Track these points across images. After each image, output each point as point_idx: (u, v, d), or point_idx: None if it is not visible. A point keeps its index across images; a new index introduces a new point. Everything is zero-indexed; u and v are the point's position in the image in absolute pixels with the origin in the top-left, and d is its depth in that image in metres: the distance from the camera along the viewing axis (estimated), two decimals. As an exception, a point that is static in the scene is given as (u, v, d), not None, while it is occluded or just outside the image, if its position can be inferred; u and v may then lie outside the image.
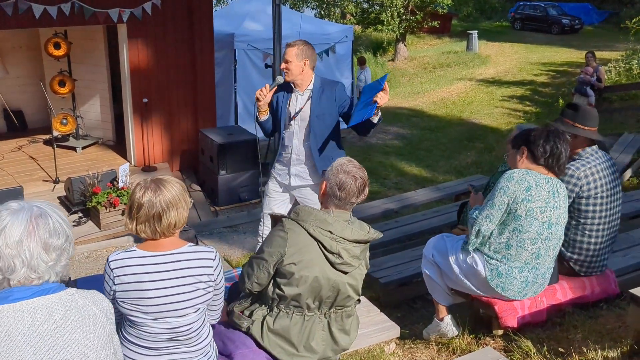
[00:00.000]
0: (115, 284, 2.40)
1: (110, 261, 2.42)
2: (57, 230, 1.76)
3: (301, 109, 4.34)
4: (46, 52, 8.64)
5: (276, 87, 4.31)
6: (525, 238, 3.33)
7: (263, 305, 2.92)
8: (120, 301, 2.41)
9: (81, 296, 1.81)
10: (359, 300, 3.07)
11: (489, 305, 3.51)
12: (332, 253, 2.76)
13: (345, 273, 2.83)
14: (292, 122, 4.37)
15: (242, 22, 10.67)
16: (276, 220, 2.96)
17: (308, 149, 4.41)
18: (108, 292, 2.43)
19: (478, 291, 3.55)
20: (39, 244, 1.71)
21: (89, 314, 1.79)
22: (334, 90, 4.32)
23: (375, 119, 4.06)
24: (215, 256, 2.53)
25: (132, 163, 8.50)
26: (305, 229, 2.75)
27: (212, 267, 2.50)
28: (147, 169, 8.50)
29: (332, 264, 2.78)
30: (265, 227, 4.69)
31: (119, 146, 9.24)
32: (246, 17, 10.92)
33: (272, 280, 2.85)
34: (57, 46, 8.50)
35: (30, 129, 10.16)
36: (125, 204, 6.83)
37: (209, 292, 2.51)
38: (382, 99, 3.91)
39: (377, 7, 23.82)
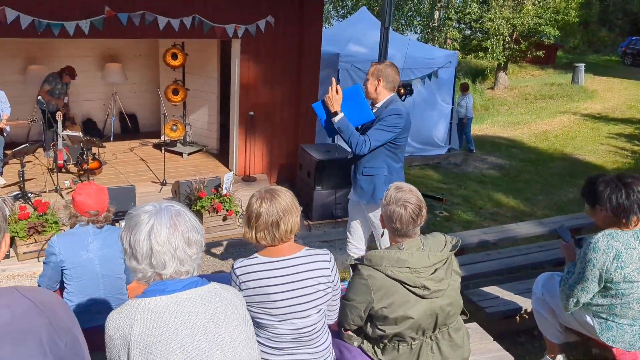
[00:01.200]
0: (241, 289, 2.53)
1: (236, 268, 2.56)
2: (195, 226, 1.89)
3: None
4: (164, 62, 9.19)
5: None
6: (630, 300, 3.16)
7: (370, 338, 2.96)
8: (248, 305, 2.52)
9: (224, 289, 1.94)
10: (463, 312, 3.02)
11: (605, 348, 3.35)
12: (417, 287, 2.73)
13: (438, 297, 2.80)
14: None
15: (347, 44, 10.85)
16: (353, 267, 2.97)
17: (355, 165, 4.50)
18: None
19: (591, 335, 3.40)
20: (183, 240, 1.83)
21: (235, 305, 1.91)
22: (386, 112, 4.24)
23: (336, 120, 4.17)
24: (330, 257, 2.63)
25: (234, 172, 8.82)
26: (382, 272, 2.74)
27: (328, 268, 2.61)
28: (247, 178, 8.79)
29: (421, 297, 2.76)
30: (350, 242, 4.79)
31: (222, 155, 9.62)
32: (351, 39, 11.10)
33: (369, 322, 2.87)
34: (174, 57, 9.03)
35: (141, 132, 10.81)
36: (227, 210, 7.10)
37: (328, 292, 2.61)
38: (329, 99, 4.17)
39: (480, 35, 23.46)
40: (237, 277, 2.54)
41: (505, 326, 4.47)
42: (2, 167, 8.15)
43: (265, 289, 2.50)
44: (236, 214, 7.31)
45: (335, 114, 4.15)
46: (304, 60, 8.74)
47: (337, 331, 3.05)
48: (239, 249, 6.88)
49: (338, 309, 2.84)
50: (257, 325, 2.58)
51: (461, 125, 12.86)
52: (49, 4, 7.05)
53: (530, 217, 8.40)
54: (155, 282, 1.85)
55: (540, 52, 23.52)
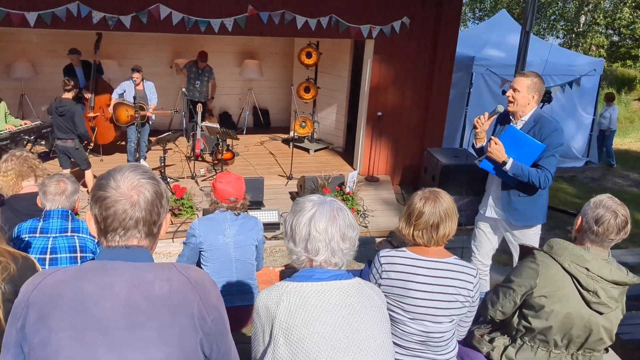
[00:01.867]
0: (381, 278, 2.59)
1: (381, 256, 2.63)
2: (352, 224, 1.97)
3: None
4: (298, 60, 9.45)
5: (495, 115, 4.16)
6: None
7: (505, 335, 2.86)
8: (384, 295, 2.56)
9: (367, 285, 1.99)
10: (606, 350, 2.83)
11: None
12: (588, 291, 2.62)
13: (601, 314, 2.64)
14: None
15: (483, 47, 10.51)
16: (526, 251, 2.89)
17: (499, 181, 4.24)
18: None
19: None
20: (339, 233, 1.92)
21: (375, 302, 1.95)
22: (544, 131, 3.97)
23: (508, 169, 3.96)
24: (476, 274, 2.59)
25: (358, 171, 8.87)
26: (559, 263, 2.65)
27: (472, 283, 2.58)
28: (371, 178, 8.81)
29: (587, 303, 2.64)
30: (475, 256, 4.62)
31: (347, 154, 9.73)
32: (487, 42, 10.74)
33: (518, 311, 2.78)
34: (308, 55, 9.25)
35: (272, 127, 11.22)
36: (349, 208, 7.16)
37: (465, 306, 2.58)
38: (492, 152, 3.95)
39: (630, 42, 21.71)
40: (381, 265, 2.60)
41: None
42: (146, 152, 8.84)
43: (405, 283, 2.54)
44: (358, 213, 7.35)
45: (504, 163, 3.98)
46: (437, 63, 8.59)
47: (465, 338, 2.98)
48: (360, 247, 6.91)
49: (469, 326, 2.79)
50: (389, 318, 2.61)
51: (602, 137, 11.97)
52: (198, 2, 7.52)
53: (677, 243, 7.64)
54: (305, 269, 1.95)
55: (700, 63, 21.34)
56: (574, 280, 2.64)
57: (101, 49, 8.65)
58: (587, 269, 2.62)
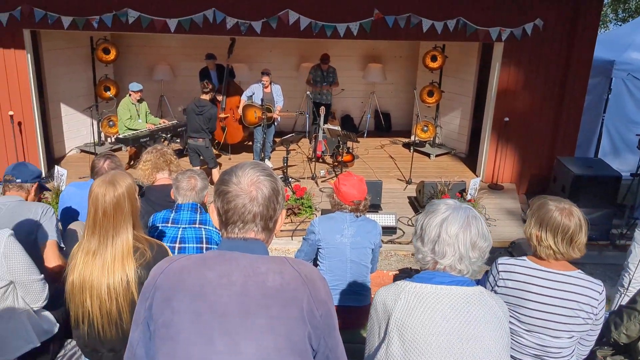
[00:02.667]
0: (497, 286, 2.51)
1: (499, 263, 2.55)
2: (485, 234, 1.93)
3: None
4: (423, 64, 9.34)
5: None
6: None
7: (629, 359, 2.64)
8: None
9: (489, 295, 1.93)
10: None
11: None
12: None
13: None
14: None
15: (625, 50, 9.72)
16: None
17: None
18: None
19: None
20: (469, 240, 1.89)
21: (495, 314, 1.89)
22: None
23: None
24: (602, 291, 2.44)
25: (481, 178, 8.58)
26: None
27: (597, 300, 2.44)
28: (494, 186, 8.49)
29: None
30: (633, 279, 4.26)
31: (470, 159, 9.45)
32: (631, 45, 9.91)
33: None
34: (433, 59, 9.14)
35: (393, 130, 11.18)
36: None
37: (588, 323, 2.44)
38: None
39: None
40: (499, 272, 2.53)
41: None
42: (271, 152, 9.17)
43: (522, 293, 2.46)
44: (479, 222, 7.11)
45: None
46: (571, 67, 8.09)
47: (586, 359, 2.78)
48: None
49: (592, 345, 2.61)
50: None
51: None
52: (325, 7, 7.68)
53: None
54: (427, 270, 1.94)
55: None
56: None
57: (233, 54, 9.11)
58: None
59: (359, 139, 9.13)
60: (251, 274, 1.59)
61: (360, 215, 3.57)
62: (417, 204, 7.62)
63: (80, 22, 7.52)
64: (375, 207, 7.18)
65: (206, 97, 7.77)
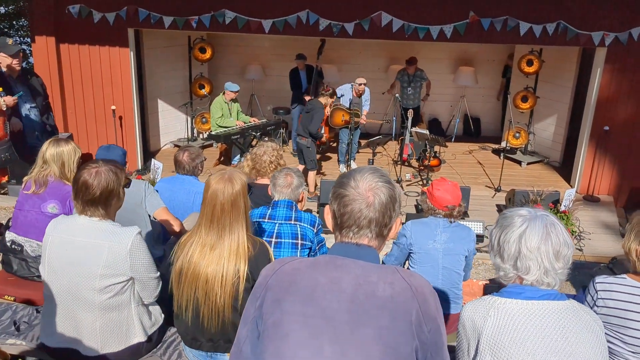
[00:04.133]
0: (596, 306, 2.41)
1: (597, 282, 2.45)
2: (567, 241, 1.82)
3: None
4: (518, 68, 9.03)
5: None
6: None
7: None
8: None
9: (583, 309, 1.85)
10: None
11: None
12: None
13: None
14: None
15: None
16: None
17: None
18: None
19: None
20: (552, 251, 1.79)
21: (591, 328, 1.81)
22: None
23: None
24: None
25: (576, 189, 8.19)
26: None
27: None
28: (590, 198, 8.08)
29: None
30: None
31: (564, 169, 9.04)
32: None
33: None
34: (529, 63, 8.83)
35: (482, 136, 10.88)
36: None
37: None
38: None
39: None
40: (597, 292, 2.43)
41: None
42: (356, 153, 9.17)
43: (624, 313, 2.34)
44: (572, 234, 6.79)
45: None
46: (682, 74, 7.57)
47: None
48: (573, 272, 6.37)
49: None
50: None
51: None
52: (419, 9, 7.59)
53: None
54: (514, 285, 1.86)
55: None
56: None
57: (323, 54, 9.20)
58: None
59: (447, 144, 8.96)
60: (362, 282, 1.58)
61: (454, 222, 3.50)
62: (507, 213, 7.36)
63: (180, 22, 7.85)
64: (462, 214, 7.01)
65: (322, 99, 7.88)
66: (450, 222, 3.49)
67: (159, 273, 2.67)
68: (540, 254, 1.79)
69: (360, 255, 1.63)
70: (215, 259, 2.47)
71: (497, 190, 8.14)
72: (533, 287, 1.82)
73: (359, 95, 8.63)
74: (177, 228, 3.76)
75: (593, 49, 7.89)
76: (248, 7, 7.74)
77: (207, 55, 9.56)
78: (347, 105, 8.50)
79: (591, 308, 2.41)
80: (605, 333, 2.34)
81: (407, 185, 8.33)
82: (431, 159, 8.55)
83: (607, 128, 7.84)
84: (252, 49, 10.60)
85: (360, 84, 8.49)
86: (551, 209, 6.80)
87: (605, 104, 7.88)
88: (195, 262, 2.48)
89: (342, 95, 8.75)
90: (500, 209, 7.64)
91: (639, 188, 8.09)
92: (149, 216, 3.79)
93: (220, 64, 10.53)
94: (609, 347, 2.37)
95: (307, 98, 9.19)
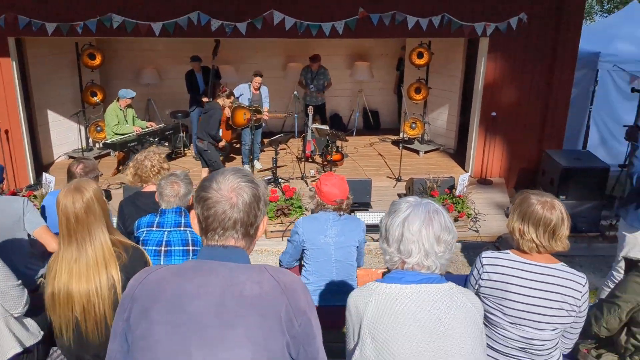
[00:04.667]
0: (482, 279, 2.52)
1: (483, 257, 2.57)
2: (448, 227, 1.92)
3: None
4: (409, 61, 9.35)
5: None
6: None
7: (614, 353, 2.64)
8: (483, 297, 2.52)
9: (459, 291, 1.93)
10: None
11: None
12: None
13: None
14: None
15: (611, 42, 9.77)
16: (631, 264, 2.68)
17: None
18: (472, 285, 2.57)
19: None
20: (433, 235, 1.88)
21: (467, 309, 1.89)
22: None
23: None
24: (585, 283, 2.47)
25: (470, 174, 8.61)
26: None
27: (580, 292, 2.45)
28: (483, 181, 8.51)
29: None
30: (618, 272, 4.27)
31: (458, 155, 9.47)
32: (616, 37, 9.96)
33: (625, 329, 2.56)
34: (420, 55, 9.14)
35: (382, 128, 11.19)
36: (458, 211, 6.98)
37: (571, 315, 2.45)
38: None
39: None
40: (482, 265, 2.54)
41: None
42: (259, 153, 9.15)
43: (505, 285, 2.46)
44: (468, 217, 7.13)
45: None
46: (557, 60, 8.13)
47: (570, 353, 2.79)
48: (469, 252, 6.71)
49: (575, 339, 2.62)
50: (487, 322, 2.52)
51: None
52: (310, 7, 7.67)
53: None
54: (396, 270, 1.94)
55: None
56: None
57: (219, 55, 9.08)
58: None
59: (348, 138, 9.13)
60: (229, 283, 1.58)
61: (343, 214, 3.56)
62: (407, 201, 7.62)
63: (65, 28, 7.47)
64: (365, 206, 7.18)
65: (220, 101, 7.77)
66: (340, 215, 3.55)
67: (19, 281, 2.55)
68: (421, 237, 1.86)
69: (228, 257, 1.63)
70: (84, 273, 2.39)
71: (398, 180, 8.40)
72: (413, 272, 1.89)
73: (257, 90, 8.63)
74: (52, 249, 3.56)
75: (477, 39, 8.31)
76: (137, 10, 7.49)
77: (97, 61, 9.17)
78: (247, 104, 8.46)
79: (476, 282, 2.53)
80: (489, 305, 2.48)
81: (311, 181, 8.41)
82: (334, 153, 8.68)
83: (494, 114, 8.30)
84: (146, 52, 10.28)
85: (255, 75, 8.52)
86: (447, 194, 7.11)
87: (491, 91, 8.32)
88: (65, 283, 2.39)
89: (240, 95, 8.69)
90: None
91: (526, 169, 8.63)
92: (29, 235, 3.61)
93: (112, 70, 10.14)
94: (490, 319, 2.51)
95: (205, 100, 9.05)
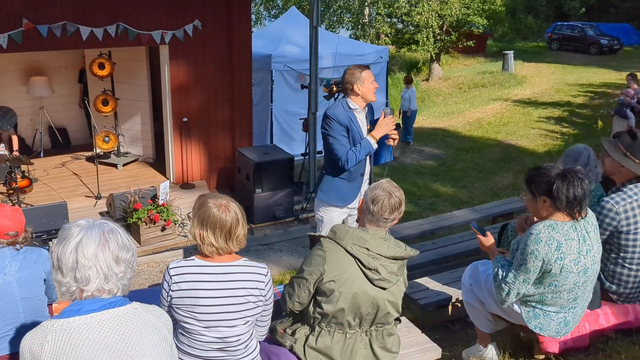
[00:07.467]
0: (172, 290, 2.52)
1: (170, 268, 2.56)
2: (126, 245, 1.88)
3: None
4: (91, 72, 8.93)
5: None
6: (562, 289, 3.23)
7: (305, 325, 2.96)
8: (176, 307, 2.53)
9: (145, 310, 1.91)
10: (399, 320, 3.09)
11: (530, 330, 3.46)
12: (369, 269, 2.81)
13: (384, 289, 2.86)
14: None
15: (279, 44, 10.84)
16: (315, 240, 3.03)
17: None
18: (165, 297, 2.56)
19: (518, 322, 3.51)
20: (111, 257, 1.83)
21: (153, 327, 1.88)
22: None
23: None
24: (267, 272, 2.64)
25: (172, 180, 8.67)
26: (342, 247, 2.81)
27: (263, 282, 2.61)
28: (186, 186, 8.67)
29: (370, 280, 2.83)
30: None
31: (159, 163, 9.44)
32: (282, 39, 11.10)
33: (312, 300, 2.90)
34: (101, 66, 8.79)
35: (73, 145, 10.47)
36: (164, 220, 6.98)
37: (259, 306, 2.61)
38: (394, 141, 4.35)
39: (412, 28, 23.87)
40: (171, 277, 2.54)
41: (440, 316, 4.56)
42: None
43: (194, 292, 2.50)
44: (175, 223, 7.19)
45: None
46: (236, 63, 8.68)
47: (269, 336, 3.06)
48: (180, 258, 6.77)
49: (268, 325, 2.85)
50: (183, 330, 2.57)
51: (405, 118, 13.04)
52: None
53: (467, 205, 8.63)
54: (75, 301, 1.83)
55: (471, 42, 24.18)
56: (357, 261, 2.81)
57: None
58: (368, 249, 2.80)
59: (33, 161, 8.33)
60: None
61: (21, 247, 3.26)
62: (110, 219, 7.32)
63: None
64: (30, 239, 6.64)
65: None
66: (17, 249, 3.24)
67: None
68: (98, 260, 1.80)
69: None
70: None
71: (97, 198, 8.00)
72: (93, 299, 1.82)
73: None
74: None
75: (157, 47, 8.35)
76: None
77: None
78: None
79: (168, 293, 2.54)
80: (182, 314, 2.54)
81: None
82: (19, 180, 7.83)
83: (185, 119, 8.49)
84: None
85: None
86: (150, 205, 7.05)
87: (179, 97, 8.48)
88: None
89: None
90: (103, 216, 7.55)
91: (224, 168, 9.06)
92: None
93: None
94: (186, 327, 2.55)
95: None
